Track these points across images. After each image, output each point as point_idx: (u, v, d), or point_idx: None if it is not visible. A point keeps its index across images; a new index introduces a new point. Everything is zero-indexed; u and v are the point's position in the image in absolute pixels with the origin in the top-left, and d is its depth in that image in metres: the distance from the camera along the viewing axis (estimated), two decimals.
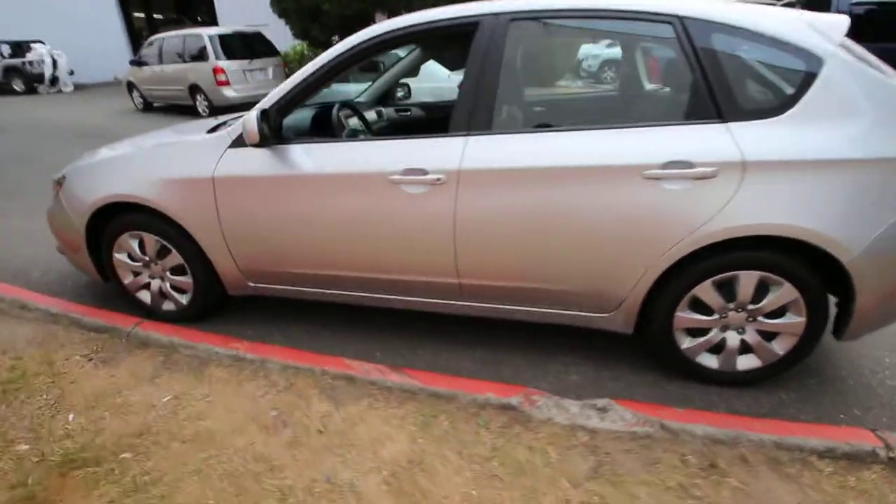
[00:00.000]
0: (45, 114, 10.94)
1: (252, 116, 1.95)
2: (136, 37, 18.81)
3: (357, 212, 2.06)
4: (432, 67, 7.43)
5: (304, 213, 2.12)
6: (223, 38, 9.58)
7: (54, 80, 15.52)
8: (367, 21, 11.47)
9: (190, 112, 10.02)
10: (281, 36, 12.35)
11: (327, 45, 12.12)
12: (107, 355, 2.22)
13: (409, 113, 3.58)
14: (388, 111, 3.54)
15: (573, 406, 1.83)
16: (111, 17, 18.25)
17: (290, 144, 2.10)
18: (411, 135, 2.02)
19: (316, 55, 11.00)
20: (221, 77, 9.29)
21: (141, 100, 11.11)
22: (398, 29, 2.02)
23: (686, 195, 1.77)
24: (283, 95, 2.08)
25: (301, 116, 2.36)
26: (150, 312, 2.58)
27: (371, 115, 3.29)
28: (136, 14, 20.23)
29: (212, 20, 17.05)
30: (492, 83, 1.91)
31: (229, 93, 9.39)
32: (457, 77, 7.68)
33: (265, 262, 2.28)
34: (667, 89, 1.97)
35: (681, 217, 1.79)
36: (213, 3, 17.09)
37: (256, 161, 2.11)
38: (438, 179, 1.92)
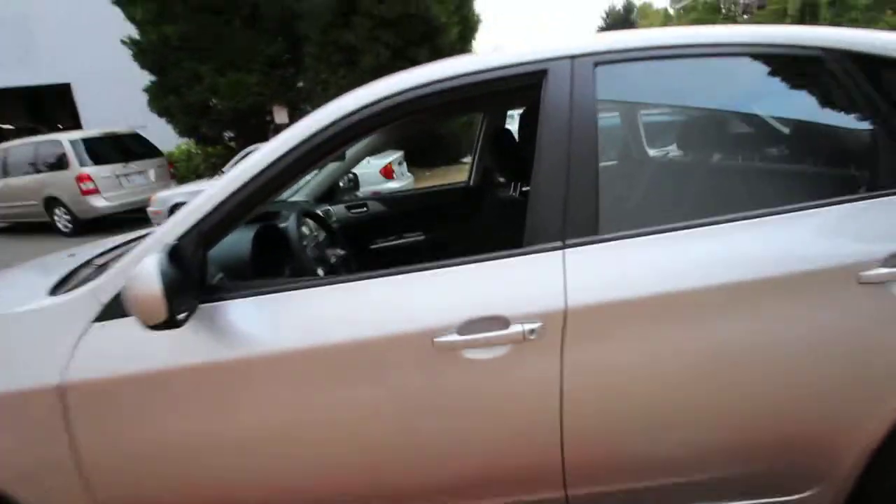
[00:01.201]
0: None
1: (149, 269, 0.92)
2: None
3: (377, 406, 1.09)
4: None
5: (269, 422, 1.10)
6: (89, 142, 8.16)
7: None
8: (263, 115, 10.73)
9: (47, 230, 8.24)
10: (163, 135, 11.07)
11: (218, 141, 11.09)
12: None
13: (365, 209, 2.72)
14: (338, 210, 2.65)
15: None
16: None
17: (228, 301, 1.11)
18: (454, 258, 1.14)
19: (206, 153, 9.90)
20: (88, 185, 7.76)
21: None
22: (414, 88, 1.19)
23: None
24: (211, 211, 1.10)
25: (228, 240, 1.37)
26: None
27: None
28: None
29: (76, 127, 15.17)
30: (587, 159, 1.13)
31: (99, 202, 7.84)
32: (377, 161, 7.05)
33: None
34: (822, 150, 1.35)
35: None
36: (76, 109, 15.31)
37: (159, 342, 1.07)
38: (531, 332, 1.05)
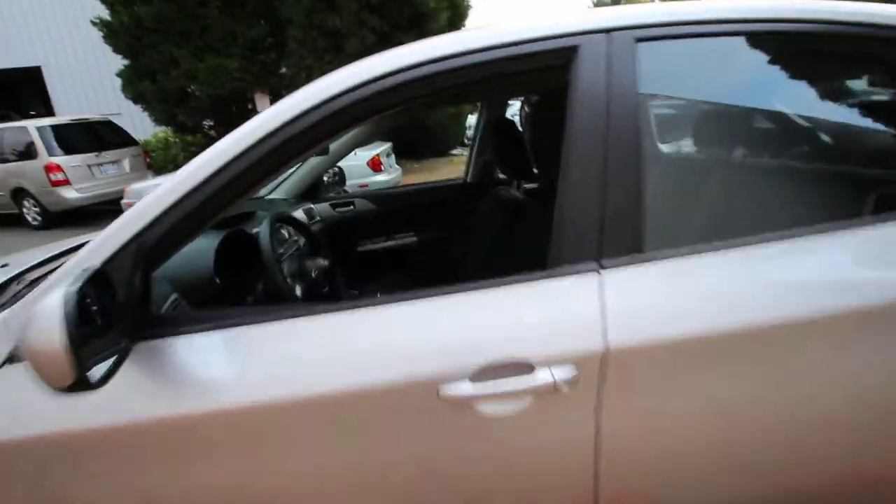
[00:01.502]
0: None
1: (48, 313, 0.66)
2: None
3: (369, 475, 0.88)
4: None
5: (227, 496, 0.88)
6: (59, 130, 7.71)
7: None
8: (245, 102, 10.32)
9: (16, 223, 7.83)
10: (138, 123, 10.60)
11: (197, 130, 10.65)
12: None
13: (352, 208, 2.48)
14: (322, 208, 2.41)
15: None
16: None
17: (179, 336, 0.88)
18: (461, 283, 0.92)
19: (185, 142, 9.42)
20: (58, 175, 7.35)
21: None
22: (403, 70, 0.96)
23: None
24: (158, 218, 0.86)
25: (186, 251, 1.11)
26: None
27: (299, 215, 2.12)
28: None
29: (49, 113, 14.50)
30: (628, 157, 0.92)
31: (69, 194, 7.43)
32: (364, 153, 6.76)
33: None
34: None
35: None
36: (47, 95, 14.61)
37: (87, 393, 0.84)
38: (564, 381, 0.84)
